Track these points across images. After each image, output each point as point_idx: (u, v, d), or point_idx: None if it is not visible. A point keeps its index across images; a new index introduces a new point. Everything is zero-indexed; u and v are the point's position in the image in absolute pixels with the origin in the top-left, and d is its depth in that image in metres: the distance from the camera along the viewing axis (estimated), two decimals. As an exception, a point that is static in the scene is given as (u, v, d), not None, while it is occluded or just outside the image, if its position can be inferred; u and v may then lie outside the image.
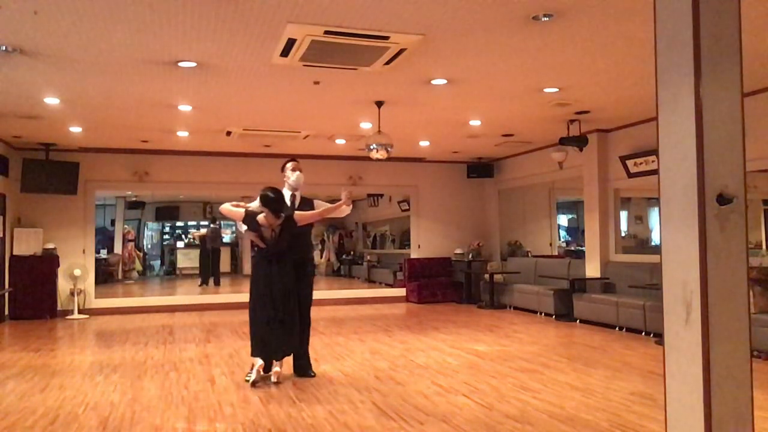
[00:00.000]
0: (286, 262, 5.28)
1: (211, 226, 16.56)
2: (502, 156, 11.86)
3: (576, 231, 16.29)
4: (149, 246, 21.23)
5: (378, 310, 10.85)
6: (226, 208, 5.45)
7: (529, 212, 13.02)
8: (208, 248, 15.63)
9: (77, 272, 10.07)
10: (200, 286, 14.96)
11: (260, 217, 5.20)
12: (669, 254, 2.55)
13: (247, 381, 5.26)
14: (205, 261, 15.67)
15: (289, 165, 5.64)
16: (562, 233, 16.65)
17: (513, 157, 11.71)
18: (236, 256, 21.16)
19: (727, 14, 2.47)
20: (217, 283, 15.30)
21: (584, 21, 4.66)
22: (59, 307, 10.16)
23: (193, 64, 5.64)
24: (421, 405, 4.56)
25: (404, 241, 15.85)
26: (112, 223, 18.66)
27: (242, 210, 5.33)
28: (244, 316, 9.99)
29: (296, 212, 5.39)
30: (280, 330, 5.20)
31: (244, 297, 12.51)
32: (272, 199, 5.16)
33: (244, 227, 5.35)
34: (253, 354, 5.34)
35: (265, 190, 5.20)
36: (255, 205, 5.39)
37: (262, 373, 5.26)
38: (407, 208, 13.68)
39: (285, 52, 5.24)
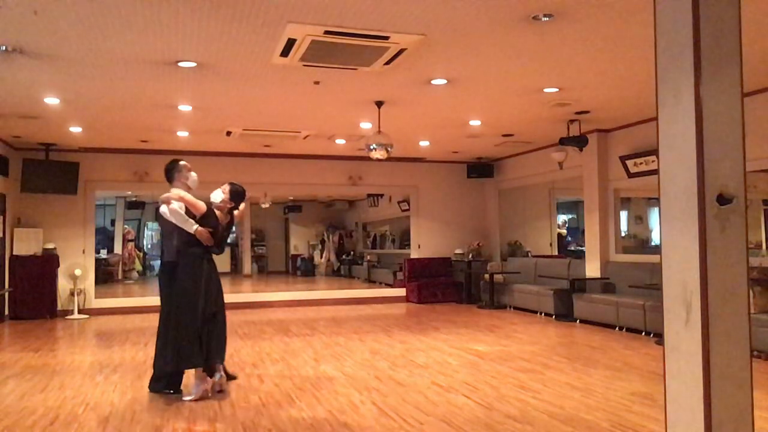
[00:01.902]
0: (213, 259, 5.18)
1: None
2: (502, 156, 11.86)
3: (576, 231, 16.28)
4: (149, 246, 21.24)
5: (378, 310, 10.85)
6: (189, 198, 4.96)
7: (529, 212, 13.02)
8: None
9: (78, 272, 10.07)
10: None
11: (219, 214, 5.09)
12: (669, 254, 2.55)
13: (188, 399, 4.76)
14: None
15: (184, 164, 5.19)
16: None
17: (513, 157, 11.71)
18: (236, 256, 21.17)
19: (727, 14, 2.47)
20: None
21: (584, 21, 4.66)
22: (59, 307, 10.16)
23: (193, 64, 5.64)
24: (421, 405, 4.56)
25: (404, 241, 15.85)
26: (112, 223, 18.67)
27: (203, 205, 4.99)
28: (244, 315, 10.11)
29: (236, 209, 5.32)
30: (220, 328, 5.01)
31: (244, 297, 12.59)
32: (243, 193, 5.20)
33: (191, 225, 4.87)
34: (192, 364, 4.83)
35: (234, 184, 5.20)
36: (216, 199, 5.16)
37: (211, 380, 4.87)
38: (407, 208, 13.68)
39: (285, 52, 5.24)
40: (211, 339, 4.90)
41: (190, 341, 4.77)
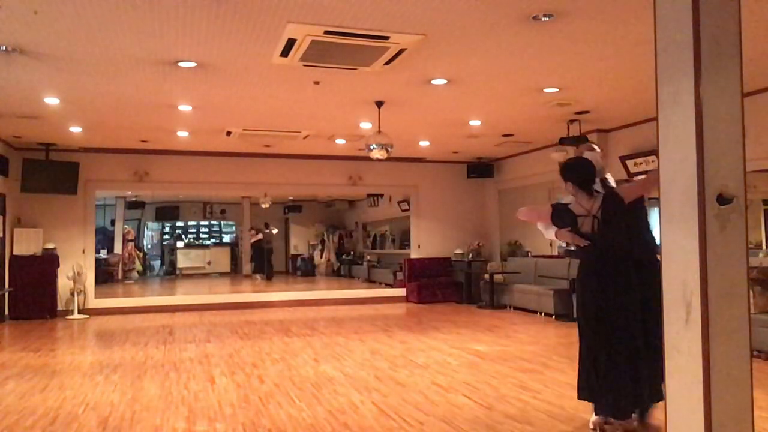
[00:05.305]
0: (627, 260, 3.81)
1: (266, 231, 18.72)
2: (502, 156, 11.86)
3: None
4: (149, 246, 21.25)
5: (378, 310, 10.85)
6: (525, 210, 4.48)
7: (529, 212, 12.97)
8: (264, 249, 18.15)
9: (85, 271, 10.08)
10: (261, 280, 17.17)
11: (572, 205, 3.98)
12: (669, 254, 2.55)
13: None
14: (260, 259, 18.21)
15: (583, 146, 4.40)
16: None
17: (513, 157, 11.71)
18: (236, 256, 21.16)
19: (727, 14, 2.47)
20: (269, 277, 17.25)
21: (584, 21, 4.66)
22: (59, 307, 10.16)
23: (193, 64, 5.64)
24: (421, 405, 4.56)
25: (404, 241, 15.85)
26: (112, 223, 18.68)
27: (547, 207, 4.17)
28: (244, 315, 10.10)
29: (622, 186, 4.23)
30: (649, 361, 3.70)
31: (244, 297, 12.61)
32: (574, 166, 4.04)
33: (551, 232, 4.12)
34: (589, 398, 3.91)
35: (567, 160, 4.19)
36: (567, 199, 4.17)
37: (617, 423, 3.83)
38: (407, 208, 13.68)
39: (285, 52, 5.24)
40: (637, 372, 3.73)
41: (589, 370, 3.84)
